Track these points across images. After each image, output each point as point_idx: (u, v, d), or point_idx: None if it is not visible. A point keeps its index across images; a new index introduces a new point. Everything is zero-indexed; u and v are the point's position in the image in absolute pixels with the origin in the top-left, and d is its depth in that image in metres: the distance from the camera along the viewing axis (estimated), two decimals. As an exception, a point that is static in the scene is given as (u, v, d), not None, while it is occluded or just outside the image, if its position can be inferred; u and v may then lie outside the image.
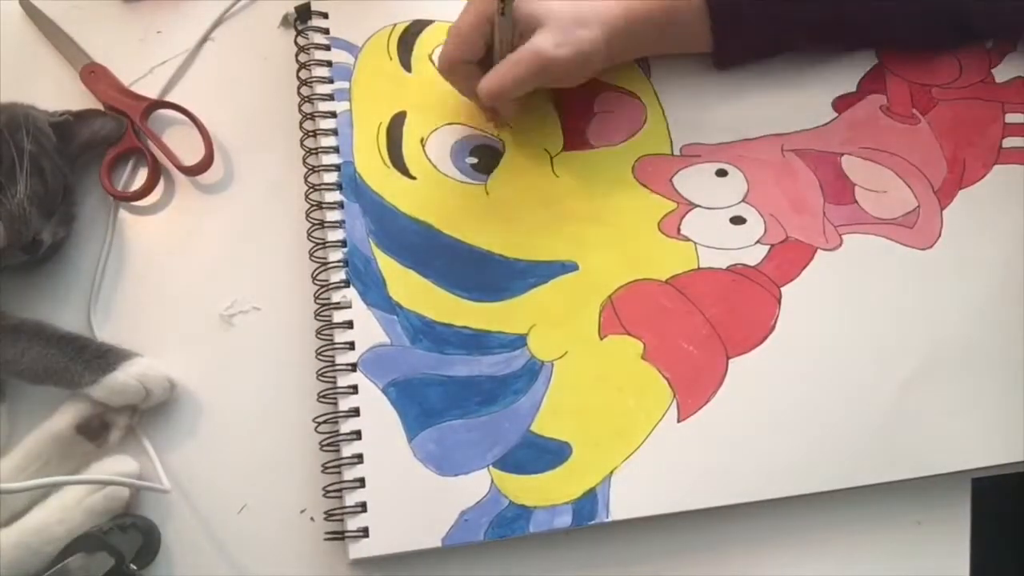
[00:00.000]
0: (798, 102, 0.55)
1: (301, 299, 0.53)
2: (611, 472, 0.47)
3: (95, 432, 0.50)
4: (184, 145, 0.57)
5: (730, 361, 0.49)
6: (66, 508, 0.47)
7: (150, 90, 0.59)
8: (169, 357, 0.52)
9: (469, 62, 0.51)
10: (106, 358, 0.49)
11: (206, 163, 0.57)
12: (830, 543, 0.48)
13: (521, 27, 0.49)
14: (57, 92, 0.59)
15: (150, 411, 0.51)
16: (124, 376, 0.49)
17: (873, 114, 0.55)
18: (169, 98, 0.59)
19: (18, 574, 0.45)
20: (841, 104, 0.55)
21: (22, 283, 0.54)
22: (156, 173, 0.57)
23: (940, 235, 0.52)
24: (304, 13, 0.59)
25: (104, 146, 0.57)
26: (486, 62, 0.51)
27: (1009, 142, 0.54)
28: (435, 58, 0.56)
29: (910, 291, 0.51)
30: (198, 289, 0.54)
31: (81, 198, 0.56)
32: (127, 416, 0.50)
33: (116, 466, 0.49)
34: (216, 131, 0.58)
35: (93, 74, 0.59)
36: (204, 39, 0.61)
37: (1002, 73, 0.55)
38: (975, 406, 0.48)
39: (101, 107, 0.58)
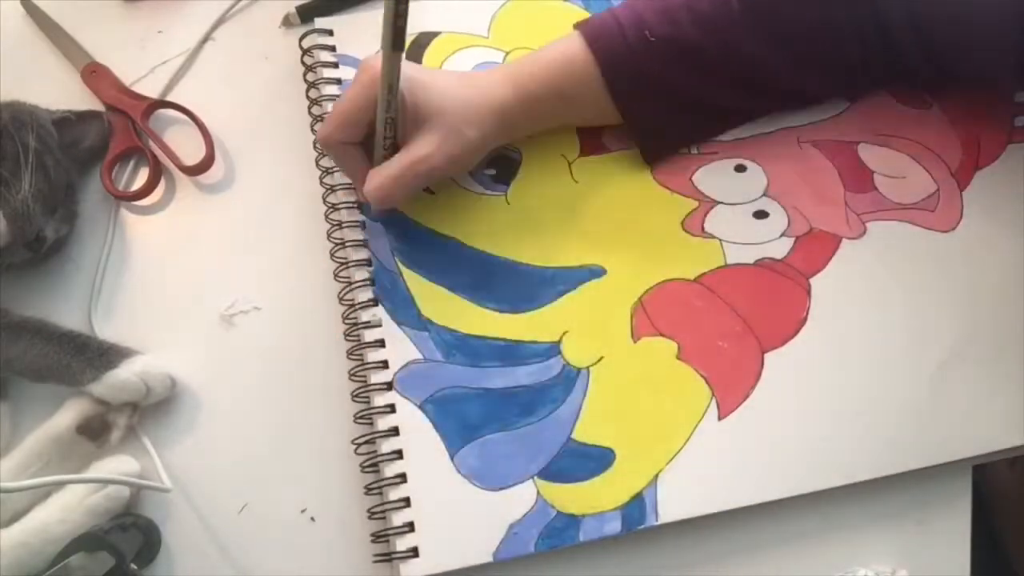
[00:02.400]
0: (810, 94, 0.55)
1: (301, 299, 0.53)
2: (656, 475, 0.47)
3: (96, 432, 0.49)
4: (185, 145, 0.57)
5: (765, 355, 0.49)
6: (67, 508, 0.46)
7: (151, 90, 0.58)
8: (169, 356, 0.51)
9: (349, 144, 0.49)
10: (107, 355, 0.49)
11: (207, 163, 0.56)
12: (829, 543, 0.48)
13: (409, 115, 0.46)
14: (58, 91, 0.58)
15: (151, 411, 0.51)
16: (125, 373, 0.49)
17: (884, 101, 0.55)
18: (170, 98, 0.58)
19: (19, 574, 0.45)
20: (852, 93, 0.55)
21: (24, 281, 0.54)
22: (157, 173, 0.57)
23: (962, 216, 0.52)
24: (305, 13, 0.58)
25: (103, 146, 0.56)
26: (368, 142, 0.49)
27: (1021, 120, 0.54)
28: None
29: (937, 273, 0.51)
30: (198, 289, 0.54)
31: (83, 197, 0.56)
32: (128, 416, 0.50)
33: (117, 465, 0.48)
34: (217, 131, 0.57)
35: (94, 74, 0.58)
36: (205, 39, 0.60)
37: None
38: (1012, 385, 0.48)
39: (102, 107, 0.58)
